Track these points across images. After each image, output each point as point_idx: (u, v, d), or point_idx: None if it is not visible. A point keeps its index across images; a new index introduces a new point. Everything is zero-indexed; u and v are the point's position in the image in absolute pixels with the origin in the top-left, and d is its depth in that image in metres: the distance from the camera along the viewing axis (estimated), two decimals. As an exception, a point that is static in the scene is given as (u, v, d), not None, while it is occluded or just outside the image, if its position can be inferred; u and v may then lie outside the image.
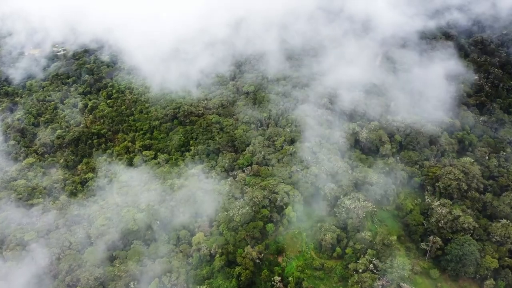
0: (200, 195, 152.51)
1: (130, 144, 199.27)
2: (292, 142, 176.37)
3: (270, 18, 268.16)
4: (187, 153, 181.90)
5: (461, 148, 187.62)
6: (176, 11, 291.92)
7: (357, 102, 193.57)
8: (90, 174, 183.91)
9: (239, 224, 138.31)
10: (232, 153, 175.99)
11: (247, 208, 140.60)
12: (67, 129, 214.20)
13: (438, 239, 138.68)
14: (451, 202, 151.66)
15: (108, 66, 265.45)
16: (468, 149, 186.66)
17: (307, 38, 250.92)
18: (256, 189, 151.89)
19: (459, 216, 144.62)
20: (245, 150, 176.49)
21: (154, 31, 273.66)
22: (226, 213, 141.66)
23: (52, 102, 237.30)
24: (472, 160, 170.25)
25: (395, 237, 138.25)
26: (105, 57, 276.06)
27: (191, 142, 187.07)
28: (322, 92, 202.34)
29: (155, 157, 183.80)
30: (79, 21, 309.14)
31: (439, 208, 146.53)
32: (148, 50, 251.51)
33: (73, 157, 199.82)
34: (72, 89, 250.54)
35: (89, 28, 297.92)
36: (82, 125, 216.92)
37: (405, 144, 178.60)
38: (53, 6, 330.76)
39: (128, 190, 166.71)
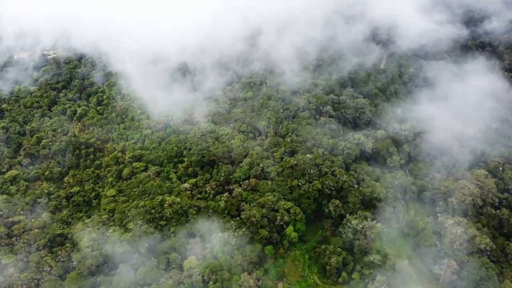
0: (192, 213, 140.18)
1: (120, 154, 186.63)
2: (292, 153, 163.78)
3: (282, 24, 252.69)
4: (180, 165, 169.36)
5: (473, 158, 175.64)
6: (179, 15, 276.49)
7: (362, 109, 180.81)
8: (76, 188, 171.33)
9: (235, 247, 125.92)
10: (228, 165, 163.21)
11: (244, 229, 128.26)
12: (53, 139, 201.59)
13: (453, 262, 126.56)
14: (466, 220, 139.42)
15: (100, 71, 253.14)
16: (480, 159, 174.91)
17: (323, 46, 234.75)
18: (253, 206, 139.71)
19: (475, 236, 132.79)
20: (242, 161, 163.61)
21: (153, 39, 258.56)
22: (221, 235, 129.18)
23: (40, 109, 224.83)
24: (486, 173, 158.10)
25: (406, 261, 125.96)
26: (97, 61, 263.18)
27: (184, 152, 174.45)
28: (324, 98, 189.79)
29: (145, 169, 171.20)
30: (72, 26, 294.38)
31: (453, 228, 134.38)
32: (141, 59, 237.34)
33: (59, 169, 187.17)
34: (61, 94, 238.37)
35: (83, 33, 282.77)
36: (70, 134, 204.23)
37: (414, 155, 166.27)
38: (47, 10, 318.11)
39: (116, 206, 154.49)
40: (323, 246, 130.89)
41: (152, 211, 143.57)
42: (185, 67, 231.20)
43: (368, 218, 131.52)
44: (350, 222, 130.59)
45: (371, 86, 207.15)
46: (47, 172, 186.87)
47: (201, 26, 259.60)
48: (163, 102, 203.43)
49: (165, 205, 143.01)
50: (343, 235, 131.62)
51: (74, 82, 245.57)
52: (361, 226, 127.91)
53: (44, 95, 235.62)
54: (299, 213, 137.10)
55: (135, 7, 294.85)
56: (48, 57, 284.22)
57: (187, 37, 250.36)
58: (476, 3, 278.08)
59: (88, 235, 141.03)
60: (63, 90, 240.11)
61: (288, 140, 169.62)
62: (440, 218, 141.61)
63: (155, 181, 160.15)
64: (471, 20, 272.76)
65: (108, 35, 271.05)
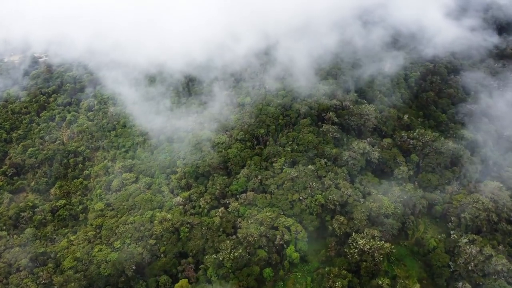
0: (184, 230, 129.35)
1: (110, 163, 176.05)
2: (293, 163, 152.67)
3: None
4: (172, 176, 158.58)
5: (484, 168, 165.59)
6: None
7: (367, 116, 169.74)
8: (62, 201, 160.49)
9: (230, 270, 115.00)
10: (224, 177, 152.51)
11: (240, 250, 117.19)
12: (41, 147, 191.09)
13: (468, 285, 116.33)
14: (481, 238, 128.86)
15: (93, 74, 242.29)
16: (492, 169, 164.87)
17: (339, 52, 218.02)
18: (251, 223, 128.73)
19: (491, 255, 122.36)
20: (239, 173, 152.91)
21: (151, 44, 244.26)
22: (215, 256, 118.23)
23: (28, 115, 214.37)
24: (501, 185, 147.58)
25: (418, 286, 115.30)
26: (90, 64, 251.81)
27: (177, 162, 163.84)
28: (326, 104, 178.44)
29: (136, 180, 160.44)
30: (67, 30, 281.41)
31: (467, 247, 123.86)
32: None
33: (45, 179, 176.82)
34: (51, 99, 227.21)
35: (78, 38, 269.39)
36: (58, 142, 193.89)
37: (423, 165, 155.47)
38: (41, 13, 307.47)
39: (103, 221, 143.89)
40: (327, 268, 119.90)
41: (141, 228, 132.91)
42: (182, 74, 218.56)
43: (376, 237, 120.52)
44: (357, 242, 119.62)
45: (375, 90, 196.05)
46: (32, 183, 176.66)
47: (203, 30, 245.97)
48: (157, 110, 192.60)
49: (155, 221, 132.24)
50: (349, 256, 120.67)
51: (65, 86, 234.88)
52: (368, 246, 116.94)
53: (33, 100, 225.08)
54: (301, 231, 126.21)
55: (136, 12, 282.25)
56: (40, 60, 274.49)
57: (183, 41, 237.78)
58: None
59: (72, 255, 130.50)
60: (53, 95, 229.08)
61: (289, 149, 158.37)
62: (453, 235, 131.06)
63: (146, 194, 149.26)
64: (503, 26, 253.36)
65: (104, 41, 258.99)
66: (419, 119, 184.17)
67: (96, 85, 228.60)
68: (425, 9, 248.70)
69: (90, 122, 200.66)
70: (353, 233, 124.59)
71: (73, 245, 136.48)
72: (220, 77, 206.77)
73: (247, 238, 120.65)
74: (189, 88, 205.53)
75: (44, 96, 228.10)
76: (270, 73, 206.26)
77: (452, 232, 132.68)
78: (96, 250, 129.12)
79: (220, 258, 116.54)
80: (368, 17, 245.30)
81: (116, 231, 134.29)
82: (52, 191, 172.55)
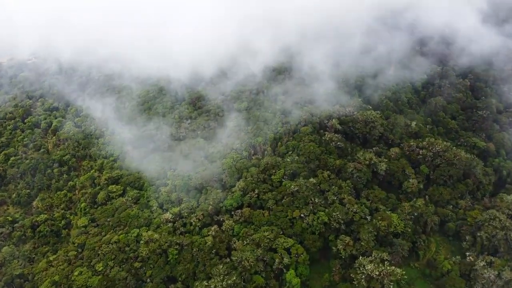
0: (173, 252, 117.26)
1: (97, 174, 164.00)
2: (293, 176, 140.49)
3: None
4: (162, 189, 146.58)
5: (498, 179, 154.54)
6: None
7: (373, 123, 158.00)
8: (44, 216, 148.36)
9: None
10: (218, 190, 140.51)
11: (235, 277, 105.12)
12: (24, 155, 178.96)
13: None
14: (499, 261, 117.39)
15: (82, 77, 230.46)
16: (506, 180, 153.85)
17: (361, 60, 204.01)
18: (247, 244, 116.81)
19: (510, 280, 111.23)
20: (234, 185, 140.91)
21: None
22: (206, 284, 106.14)
23: (12, 121, 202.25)
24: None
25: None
26: (81, 66, 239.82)
27: (168, 173, 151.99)
28: (329, 110, 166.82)
29: (123, 193, 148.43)
30: (60, 31, 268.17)
31: (485, 271, 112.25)
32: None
33: (28, 191, 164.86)
34: (38, 103, 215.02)
35: (71, 40, 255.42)
36: (42, 150, 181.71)
37: (434, 177, 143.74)
38: (32, 13, 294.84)
39: (86, 240, 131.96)
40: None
41: (126, 248, 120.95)
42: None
43: (386, 262, 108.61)
44: (364, 267, 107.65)
45: (380, 95, 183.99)
46: (14, 195, 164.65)
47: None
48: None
49: (142, 242, 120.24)
50: (355, 282, 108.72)
51: (53, 90, 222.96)
52: (377, 272, 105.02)
53: (19, 104, 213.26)
54: (302, 253, 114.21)
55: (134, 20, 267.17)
56: (28, 61, 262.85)
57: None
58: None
59: (50, 278, 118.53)
60: (40, 99, 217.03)
61: (288, 160, 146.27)
62: (469, 258, 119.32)
63: (132, 210, 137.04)
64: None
65: (97, 47, 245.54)
66: (427, 126, 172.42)
67: (86, 89, 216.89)
68: (459, 14, 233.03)
69: (76, 129, 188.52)
70: (360, 256, 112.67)
71: (52, 266, 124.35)
72: (223, 86, 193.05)
73: (242, 262, 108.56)
74: (184, 96, 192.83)
75: (31, 101, 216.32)
76: (286, 85, 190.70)
77: (467, 254, 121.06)
78: (76, 273, 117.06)
79: (212, 286, 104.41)
80: (395, 22, 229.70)
81: (99, 252, 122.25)
82: (34, 203, 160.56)
